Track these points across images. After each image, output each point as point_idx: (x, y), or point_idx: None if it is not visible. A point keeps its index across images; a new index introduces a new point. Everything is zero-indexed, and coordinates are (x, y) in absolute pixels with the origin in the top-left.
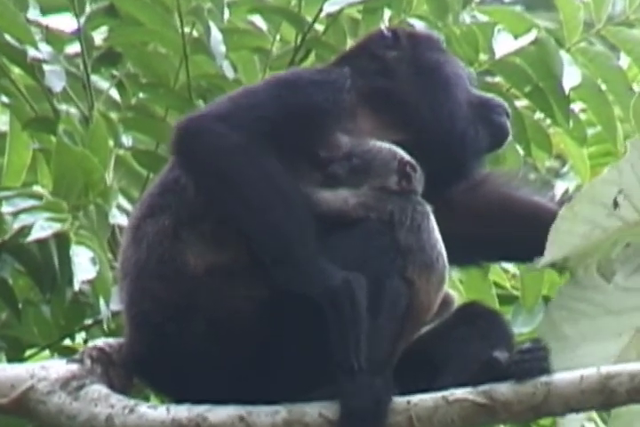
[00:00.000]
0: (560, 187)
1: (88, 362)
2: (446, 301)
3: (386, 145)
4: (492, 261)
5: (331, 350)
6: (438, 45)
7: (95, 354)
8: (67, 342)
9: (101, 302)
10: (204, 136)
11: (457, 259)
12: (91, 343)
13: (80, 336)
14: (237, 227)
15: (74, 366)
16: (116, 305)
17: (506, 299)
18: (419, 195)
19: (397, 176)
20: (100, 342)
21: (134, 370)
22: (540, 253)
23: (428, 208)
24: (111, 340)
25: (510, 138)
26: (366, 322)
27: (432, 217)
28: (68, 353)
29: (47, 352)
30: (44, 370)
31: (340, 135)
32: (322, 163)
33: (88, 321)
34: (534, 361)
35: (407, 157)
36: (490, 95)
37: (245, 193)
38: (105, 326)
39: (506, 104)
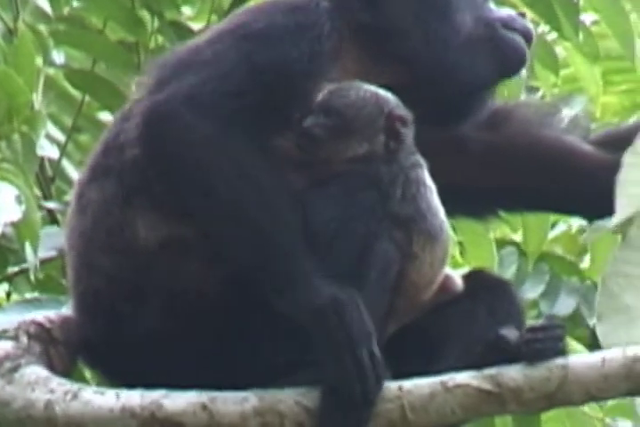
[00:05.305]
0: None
1: (24, 339)
2: (446, 285)
3: (371, 92)
4: (514, 212)
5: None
6: None
7: (33, 330)
8: None
9: (27, 247)
10: (172, 126)
11: (468, 208)
12: (27, 317)
13: (2, 288)
14: (211, 234)
15: (7, 344)
16: (44, 252)
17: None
18: (409, 152)
19: (384, 136)
20: (40, 316)
21: (80, 351)
22: (581, 205)
23: (422, 169)
24: (51, 313)
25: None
26: (370, 337)
27: (428, 179)
28: None
29: None
30: None
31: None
32: (296, 123)
33: (12, 270)
34: (549, 341)
35: (397, 106)
36: (509, 11)
37: (219, 195)
38: (32, 277)
39: (527, 23)
